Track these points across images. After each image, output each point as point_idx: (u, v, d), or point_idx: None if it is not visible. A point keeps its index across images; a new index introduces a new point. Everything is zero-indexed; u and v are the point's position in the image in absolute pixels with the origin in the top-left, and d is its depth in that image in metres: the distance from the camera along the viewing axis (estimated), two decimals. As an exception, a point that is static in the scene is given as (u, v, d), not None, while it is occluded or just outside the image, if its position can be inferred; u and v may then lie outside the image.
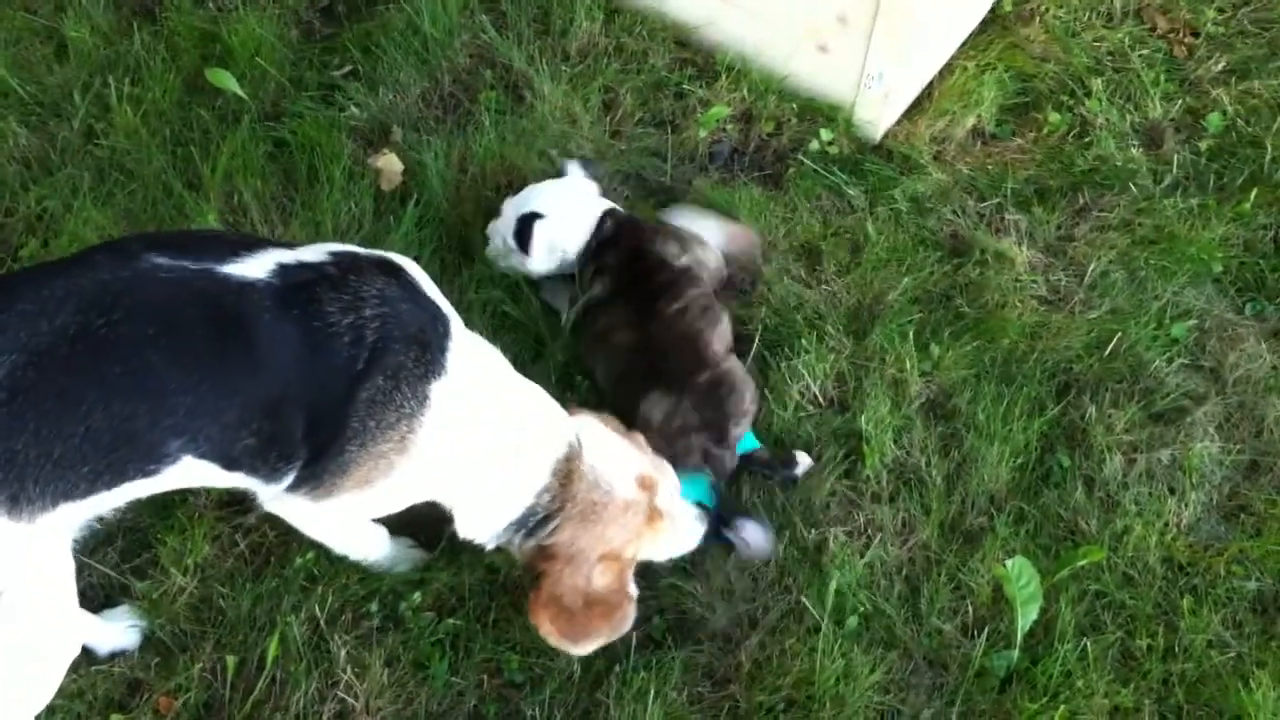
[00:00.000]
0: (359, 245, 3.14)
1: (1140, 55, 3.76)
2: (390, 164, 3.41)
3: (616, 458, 2.54)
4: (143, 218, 3.29)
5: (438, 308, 2.41)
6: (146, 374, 2.09)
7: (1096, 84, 3.69)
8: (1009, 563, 2.71)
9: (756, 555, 2.79)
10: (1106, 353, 3.19)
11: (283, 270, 2.24)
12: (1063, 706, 2.62)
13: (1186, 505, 2.96)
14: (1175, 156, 3.57)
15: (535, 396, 2.52)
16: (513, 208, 3.13)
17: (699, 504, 2.74)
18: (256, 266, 2.22)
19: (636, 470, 2.55)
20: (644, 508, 2.53)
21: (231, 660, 2.63)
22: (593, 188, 3.18)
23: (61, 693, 2.46)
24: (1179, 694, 2.70)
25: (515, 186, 3.35)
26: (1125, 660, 2.76)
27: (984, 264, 3.36)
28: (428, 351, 2.31)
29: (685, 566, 2.78)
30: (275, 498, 2.38)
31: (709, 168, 3.50)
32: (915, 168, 3.51)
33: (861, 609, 2.75)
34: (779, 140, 3.56)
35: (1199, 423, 3.08)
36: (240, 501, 2.70)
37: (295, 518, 2.50)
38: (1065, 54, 3.76)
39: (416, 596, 2.71)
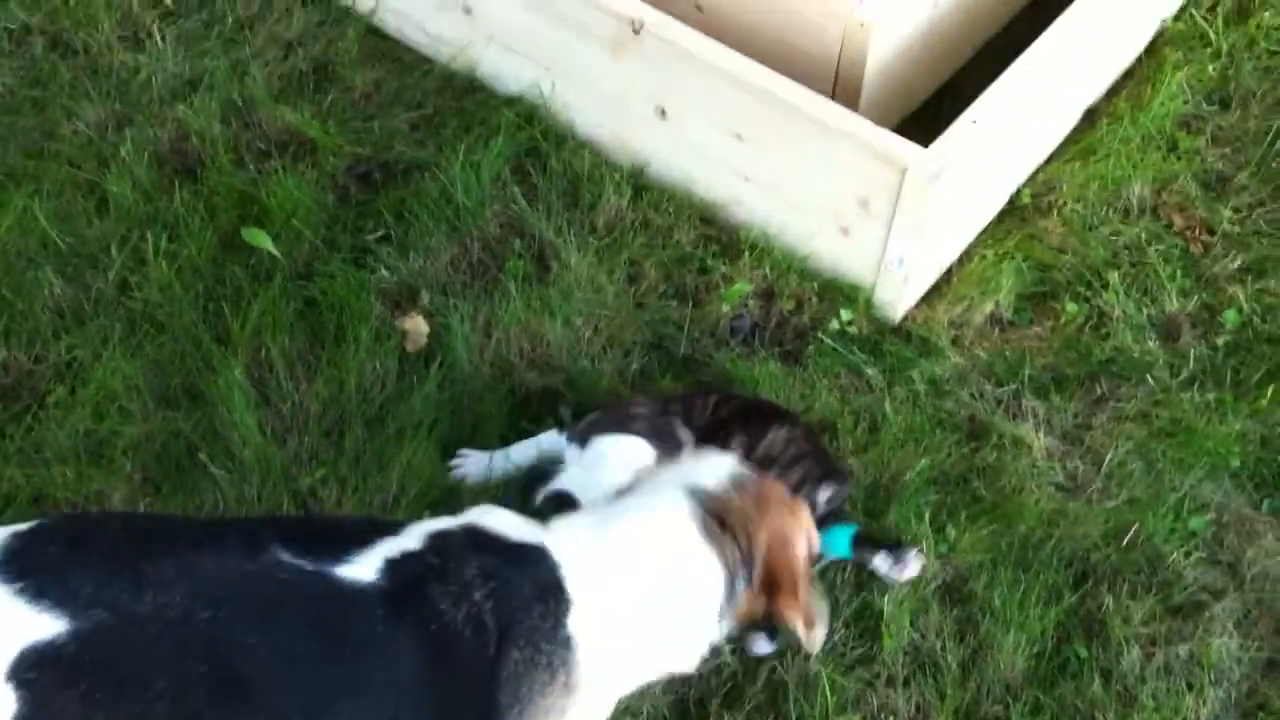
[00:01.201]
0: (382, 408, 3.25)
1: (1157, 250, 3.83)
2: (417, 326, 3.47)
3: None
4: (170, 369, 3.34)
5: (531, 548, 2.25)
6: (232, 681, 2.01)
7: (1113, 277, 3.75)
8: (1026, 755, 2.66)
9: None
10: (1124, 543, 3.18)
11: (391, 567, 2.13)
12: None
13: (1205, 702, 2.92)
14: (1192, 350, 3.61)
15: (642, 525, 2.33)
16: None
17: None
18: (367, 566, 2.12)
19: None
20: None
21: None
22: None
23: None
24: None
25: (538, 353, 3.41)
26: None
27: (1001, 448, 3.37)
28: (547, 600, 2.18)
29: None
30: None
31: (730, 342, 3.55)
32: (933, 350, 3.56)
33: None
34: (799, 318, 3.62)
35: (1217, 618, 3.06)
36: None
37: None
38: (1082, 246, 3.83)
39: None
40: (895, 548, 2.99)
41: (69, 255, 3.58)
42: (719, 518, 2.29)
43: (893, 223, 3.42)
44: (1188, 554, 3.17)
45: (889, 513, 3.15)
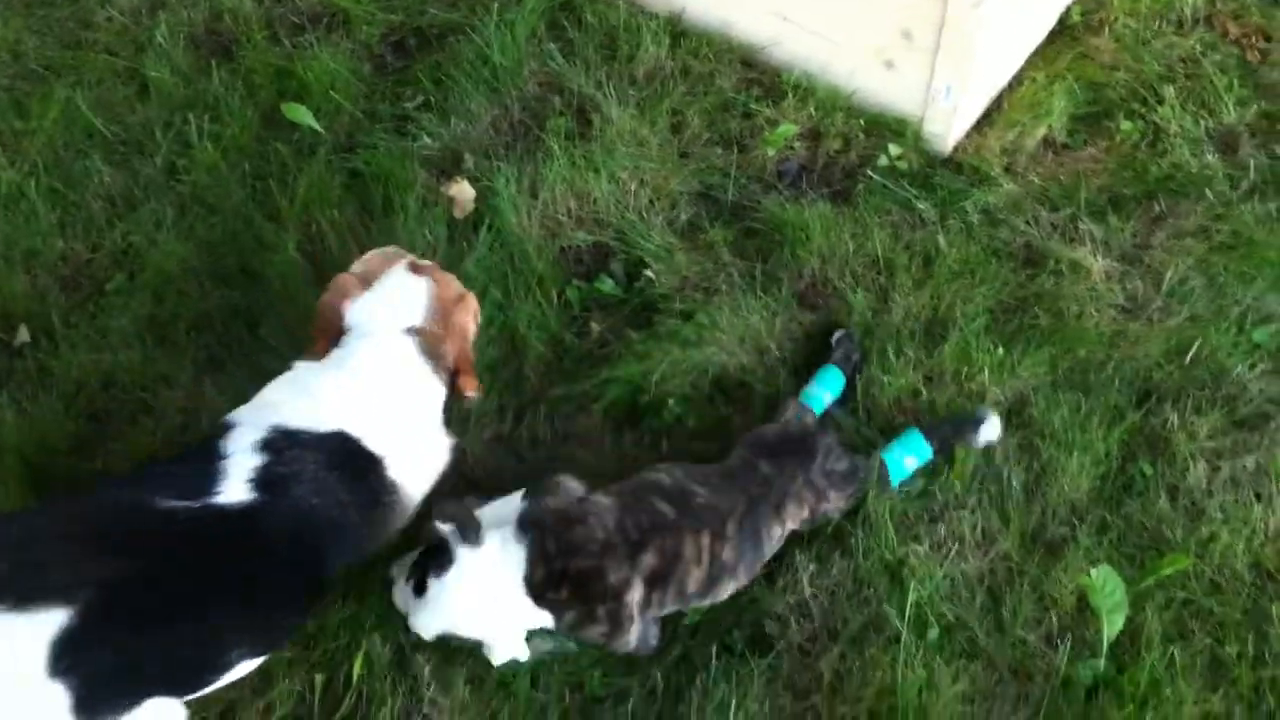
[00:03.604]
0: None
1: (1212, 61, 3.73)
2: (463, 192, 3.48)
3: (403, 283, 2.82)
4: (223, 249, 3.38)
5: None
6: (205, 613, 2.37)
7: (1168, 91, 3.67)
8: (1093, 572, 2.69)
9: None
10: (1187, 360, 3.17)
11: (255, 484, 2.45)
12: (1151, 715, 2.60)
13: (1274, 511, 2.92)
14: (1251, 161, 3.53)
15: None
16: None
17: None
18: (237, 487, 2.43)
19: (404, 267, 2.86)
20: (425, 268, 2.87)
21: (320, 678, 2.68)
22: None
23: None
24: (1271, 700, 2.66)
25: (585, 210, 3.41)
26: (1214, 668, 2.72)
27: (1059, 274, 3.34)
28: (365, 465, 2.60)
29: (764, 580, 2.80)
30: None
31: (778, 186, 3.52)
32: (986, 180, 3.51)
33: (943, 620, 2.74)
34: (847, 157, 3.58)
35: (1284, 427, 3.05)
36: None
37: None
38: (1136, 62, 3.74)
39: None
40: (966, 421, 2.98)
41: (115, 143, 3.62)
42: (429, 345, 2.73)
43: (938, 52, 3.35)
44: (1252, 366, 3.15)
45: (948, 344, 3.14)
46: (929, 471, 2.95)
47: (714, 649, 2.70)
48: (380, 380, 2.64)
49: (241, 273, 3.36)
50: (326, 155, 3.53)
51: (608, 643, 2.66)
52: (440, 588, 2.57)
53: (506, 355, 3.21)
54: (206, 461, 2.45)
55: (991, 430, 2.96)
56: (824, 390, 3.05)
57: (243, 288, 3.33)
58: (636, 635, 2.65)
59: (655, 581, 2.62)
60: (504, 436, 3.09)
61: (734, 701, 2.61)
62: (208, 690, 2.46)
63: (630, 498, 2.70)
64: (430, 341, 2.73)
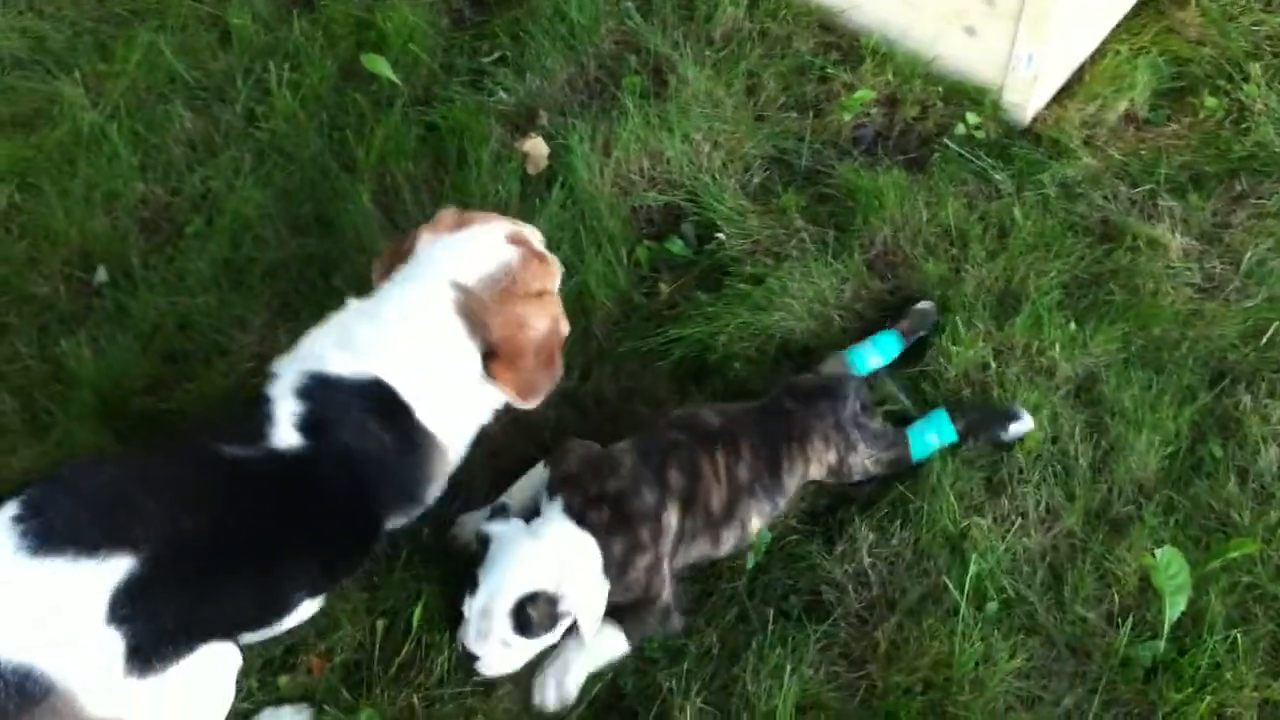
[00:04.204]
0: None
1: (1302, 39, 3.66)
2: (537, 148, 3.49)
3: (483, 240, 2.73)
4: (300, 197, 3.42)
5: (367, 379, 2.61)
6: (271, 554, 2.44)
7: (1254, 69, 3.61)
8: (1158, 552, 2.67)
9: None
10: (1263, 342, 3.13)
11: (304, 431, 2.51)
12: (1209, 698, 2.58)
13: (1345, 499, 2.89)
14: (1338, 142, 3.47)
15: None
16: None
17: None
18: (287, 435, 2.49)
19: (502, 232, 2.76)
20: (529, 254, 2.74)
21: (381, 625, 2.72)
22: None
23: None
24: (1333, 688, 2.64)
25: (658, 170, 3.41)
26: (1276, 654, 2.70)
27: (1135, 250, 3.31)
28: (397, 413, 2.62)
29: (824, 547, 2.81)
30: None
31: (853, 152, 3.51)
32: (1064, 152, 3.48)
33: (1002, 594, 2.74)
34: (924, 124, 3.56)
35: (1360, 415, 3.00)
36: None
37: None
38: (1222, 38, 3.68)
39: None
40: (998, 414, 2.96)
41: (196, 89, 3.66)
42: (469, 307, 2.64)
43: (1020, 20, 3.31)
44: (1329, 350, 3.10)
45: (1019, 317, 3.11)
46: (995, 445, 2.94)
47: (771, 613, 2.71)
48: (411, 327, 2.62)
49: (317, 221, 3.40)
50: (403, 107, 3.56)
51: (648, 592, 2.68)
52: (498, 565, 2.60)
53: (574, 313, 3.21)
54: (257, 409, 2.51)
55: (1022, 427, 2.93)
56: (874, 352, 3.05)
57: (317, 236, 3.37)
58: (670, 588, 2.70)
59: (687, 503, 2.71)
60: (569, 394, 3.10)
61: (789, 666, 2.62)
62: (269, 633, 2.52)
63: (644, 434, 2.83)
64: (472, 305, 2.64)
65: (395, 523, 2.68)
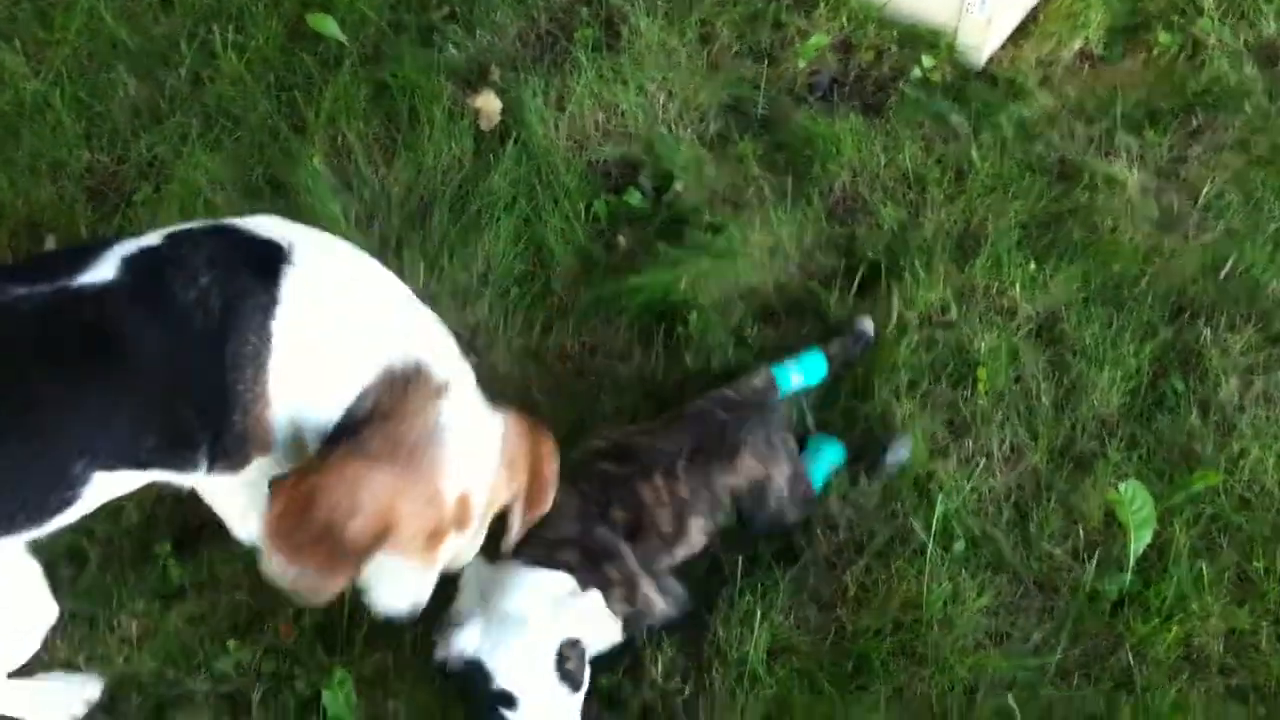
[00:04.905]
0: (461, 188, 3.29)
1: (1254, -29, 3.69)
2: (489, 104, 3.47)
3: (472, 444, 2.27)
4: (250, 161, 3.40)
5: (269, 243, 2.25)
6: (32, 408, 2.08)
7: (1208, 3, 3.64)
8: (1122, 487, 2.71)
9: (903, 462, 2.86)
10: (1222, 275, 3.17)
11: (128, 263, 2.16)
12: (1176, 628, 2.63)
13: (1306, 427, 2.94)
14: (1292, 74, 3.51)
15: (397, 297, 2.34)
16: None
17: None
18: (106, 268, 2.15)
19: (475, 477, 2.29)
20: (443, 513, 2.24)
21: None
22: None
23: (186, 617, 2.64)
24: (1298, 615, 2.70)
25: (614, 123, 3.41)
26: (1242, 583, 2.75)
27: (1093, 188, 3.34)
28: (260, 292, 2.17)
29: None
30: (200, 484, 2.39)
31: (809, 99, 3.51)
32: (1021, 92, 3.51)
33: (969, 534, 2.78)
34: (879, 69, 3.57)
35: (1318, 344, 3.05)
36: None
37: (221, 502, 2.56)
38: (1175, -28, 3.70)
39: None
40: (882, 449, 2.90)
41: (140, 54, 3.61)
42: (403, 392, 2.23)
43: (973, -40, 3.33)
44: (1287, 282, 3.15)
45: (979, 258, 3.14)
46: (956, 384, 2.97)
47: (740, 560, 2.74)
48: None
49: (268, 184, 3.37)
50: (352, 67, 3.52)
51: (641, 611, 2.62)
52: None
53: (534, 269, 3.23)
54: None
55: (904, 452, 2.88)
56: (798, 371, 2.95)
57: (270, 199, 3.34)
58: (659, 597, 2.63)
59: (636, 534, 2.63)
60: (531, 349, 3.11)
61: (759, 612, 2.65)
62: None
63: (579, 474, 2.65)
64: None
65: None
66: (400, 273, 3.02)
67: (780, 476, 2.76)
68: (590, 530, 2.60)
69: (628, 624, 2.59)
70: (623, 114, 3.42)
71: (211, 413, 2.18)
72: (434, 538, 2.25)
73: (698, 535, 2.71)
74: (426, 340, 2.31)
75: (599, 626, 2.52)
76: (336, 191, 3.31)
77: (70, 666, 2.62)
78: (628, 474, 2.68)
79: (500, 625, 2.44)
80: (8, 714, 2.51)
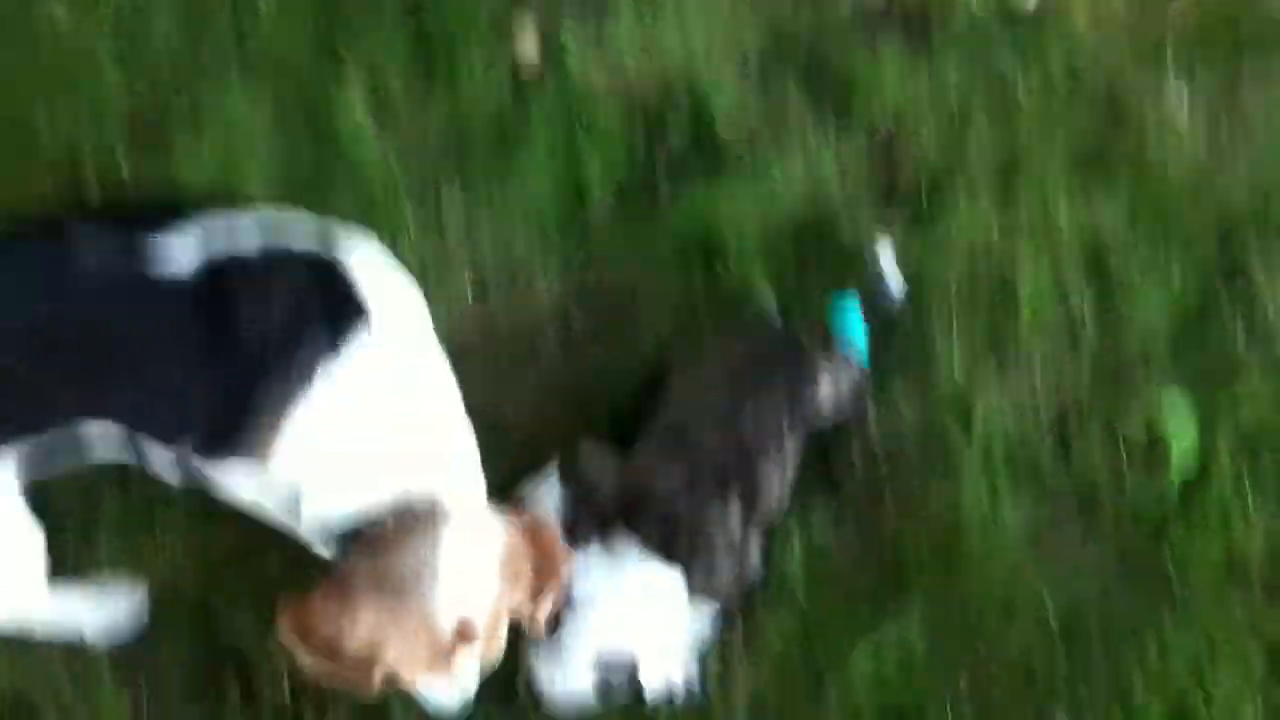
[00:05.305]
0: (499, 128, 3.33)
1: (1315, -94, 3.69)
2: (528, 44, 3.54)
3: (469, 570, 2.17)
4: (290, 107, 3.47)
5: (353, 301, 2.17)
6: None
7: (1262, -62, 3.64)
8: (1165, 399, 2.71)
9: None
10: (1270, 206, 3.18)
11: (211, 273, 2.09)
12: (1218, 540, 2.63)
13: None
14: (1349, 11, 3.52)
15: (439, 419, 2.27)
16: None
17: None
18: (185, 258, 2.08)
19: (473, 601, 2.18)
20: (439, 638, 2.15)
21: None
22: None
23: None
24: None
25: (653, 61, 3.45)
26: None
27: (1143, 125, 3.38)
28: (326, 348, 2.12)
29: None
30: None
31: (854, 35, 3.55)
32: (1070, 29, 3.52)
33: (1011, 451, 2.80)
34: (927, 6, 3.59)
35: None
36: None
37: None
38: (1230, -95, 3.71)
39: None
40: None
41: (181, 3, 3.70)
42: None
43: (1022, -109, 3.37)
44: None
45: (1026, 191, 3.15)
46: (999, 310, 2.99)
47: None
48: None
49: (308, 129, 3.44)
50: (393, 9, 3.59)
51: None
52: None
53: (573, 208, 3.28)
54: None
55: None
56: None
57: (311, 145, 3.41)
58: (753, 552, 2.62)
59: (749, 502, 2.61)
60: (571, 290, 3.15)
61: (796, 533, 2.67)
62: None
63: (687, 454, 2.61)
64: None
65: None
66: (438, 215, 3.11)
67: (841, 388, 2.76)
68: (702, 503, 2.55)
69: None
70: (663, 52, 3.47)
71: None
72: (438, 658, 2.18)
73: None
74: (452, 472, 2.25)
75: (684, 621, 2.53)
76: (376, 135, 3.36)
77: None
78: (745, 456, 2.59)
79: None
80: (58, 619, 2.60)
